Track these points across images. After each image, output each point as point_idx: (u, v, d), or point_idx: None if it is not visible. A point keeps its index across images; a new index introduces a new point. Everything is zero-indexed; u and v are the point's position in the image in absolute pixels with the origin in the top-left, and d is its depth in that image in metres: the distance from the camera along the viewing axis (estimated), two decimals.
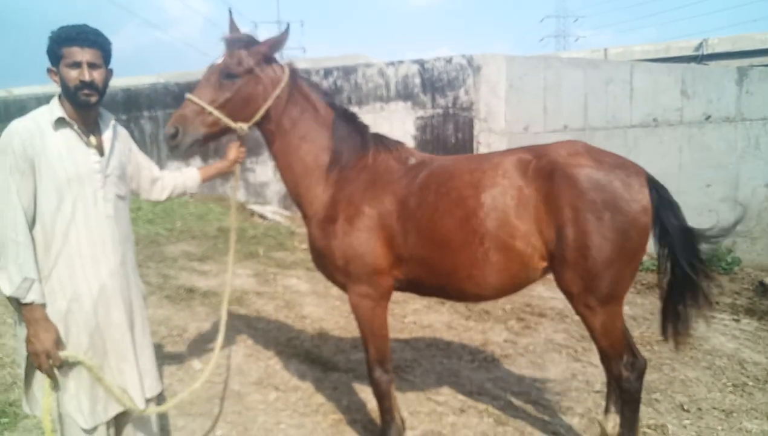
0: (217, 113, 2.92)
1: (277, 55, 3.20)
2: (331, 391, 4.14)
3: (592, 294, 2.82)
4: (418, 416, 3.79)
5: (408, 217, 3.00)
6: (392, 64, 9.65)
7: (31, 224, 2.23)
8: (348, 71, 9.96)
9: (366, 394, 4.03)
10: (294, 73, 3.18)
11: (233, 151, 3.20)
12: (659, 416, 3.80)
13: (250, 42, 3.03)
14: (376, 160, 3.20)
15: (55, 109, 2.28)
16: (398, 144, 3.33)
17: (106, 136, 2.43)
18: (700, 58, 14.25)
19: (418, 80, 9.40)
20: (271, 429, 3.62)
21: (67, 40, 2.21)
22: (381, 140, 3.30)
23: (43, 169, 2.21)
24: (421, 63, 9.37)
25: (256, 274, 7.15)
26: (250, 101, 3.02)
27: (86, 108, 2.31)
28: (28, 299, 2.15)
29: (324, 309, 5.98)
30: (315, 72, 10.22)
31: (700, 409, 3.91)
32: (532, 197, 2.84)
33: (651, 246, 2.95)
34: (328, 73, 10.13)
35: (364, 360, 3.34)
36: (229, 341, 5.05)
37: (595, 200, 2.74)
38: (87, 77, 2.22)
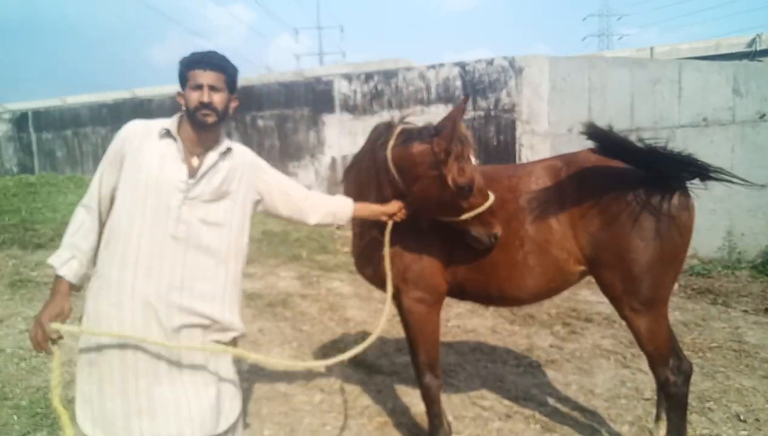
0: None
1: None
2: (375, 394, 4.16)
3: (635, 297, 2.79)
4: (463, 421, 3.77)
5: None
6: (433, 67, 9.63)
7: (106, 216, 2.29)
8: (389, 75, 10.00)
9: (411, 397, 4.03)
10: None
11: (397, 206, 2.90)
12: (713, 426, 3.68)
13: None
14: None
15: (169, 121, 2.34)
16: None
17: (209, 161, 2.33)
18: (753, 55, 13.65)
19: (459, 83, 9.36)
20: (317, 430, 3.66)
21: (193, 63, 2.28)
22: None
23: (128, 169, 2.26)
24: (461, 65, 9.33)
25: (300, 276, 7.26)
26: None
27: (203, 128, 2.31)
28: (61, 272, 2.22)
29: (367, 312, 6.02)
30: (356, 76, 10.30)
31: (758, 420, 3.76)
32: (564, 203, 2.87)
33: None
34: (368, 77, 10.18)
35: (410, 364, 3.35)
36: (274, 342, 5.15)
37: (630, 202, 2.71)
38: (206, 99, 2.25)
